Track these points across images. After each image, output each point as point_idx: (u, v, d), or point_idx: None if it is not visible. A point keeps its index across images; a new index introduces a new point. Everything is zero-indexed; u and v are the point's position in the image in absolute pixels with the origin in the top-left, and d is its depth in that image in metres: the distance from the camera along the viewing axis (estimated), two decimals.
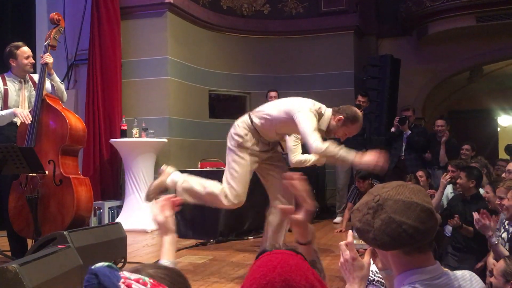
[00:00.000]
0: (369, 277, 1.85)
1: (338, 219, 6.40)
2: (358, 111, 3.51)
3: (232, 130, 3.37)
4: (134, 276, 0.80)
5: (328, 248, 4.48)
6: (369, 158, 3.11)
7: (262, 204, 4.69)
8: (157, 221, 1.63)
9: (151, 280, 0.80)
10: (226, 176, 3.30)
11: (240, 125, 3.34)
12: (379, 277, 1.88)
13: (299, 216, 1.56)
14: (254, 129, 3.30)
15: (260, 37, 7.90)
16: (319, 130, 3.23)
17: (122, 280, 0.78)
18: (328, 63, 7.84)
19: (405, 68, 7.88)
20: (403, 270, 1.28)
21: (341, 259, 1.45)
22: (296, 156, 3.64)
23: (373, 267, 1.64)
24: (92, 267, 0.77)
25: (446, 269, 1.35)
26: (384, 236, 1.23)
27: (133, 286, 0.78)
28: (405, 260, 1.27)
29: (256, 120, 3.30)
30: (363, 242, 1.39)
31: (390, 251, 1.29)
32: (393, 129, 6.32)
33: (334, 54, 7.83)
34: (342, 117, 3.31)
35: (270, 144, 3.43)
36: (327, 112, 3.35)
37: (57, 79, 3.97)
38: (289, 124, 3.23)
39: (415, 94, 8.51)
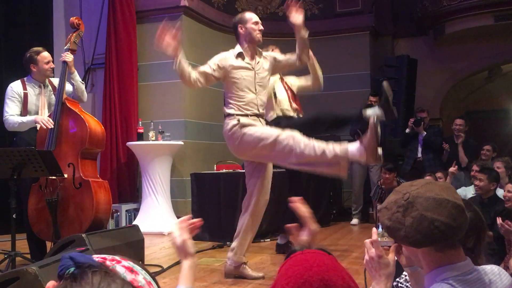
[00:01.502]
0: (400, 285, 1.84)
1: (354, 221, 6.37)
2: None
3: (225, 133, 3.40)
4: (105, 255, 0.90)
5: (346, 250, 4.45)
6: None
7: (278, 207, 4.68)
8: (175, 244, 1.53)
9: (120, 257, 0.90)
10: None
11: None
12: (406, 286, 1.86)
13: (304, 237, 1.52)
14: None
15: (274, 39, 7.87)
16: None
17: (96, 258, 0.87)
18: (344, 64, 7.79)
19: (422, 68, 7.79)
20: (435, 267, 1.28)
21: (366, 257, 1.44)
22: None
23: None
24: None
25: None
26: (416, 234, 1.23)
27: (106, 257, 0.87)
28: (436, 256, 1.27)
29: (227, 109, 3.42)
30: (386, 240, 1.39)
31: (420, 248, 1.29)
32: (407, 130, 6.26)
33: (350, 55, 7.79)
34: None
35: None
36: None
37: (77, 78, 4.00)
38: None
39: (433, 95, 8.42)
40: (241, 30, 3.58)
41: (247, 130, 3.26)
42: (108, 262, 0.87)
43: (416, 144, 6.21)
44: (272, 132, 3.18)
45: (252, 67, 3.50)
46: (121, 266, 0.87)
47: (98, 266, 0.81)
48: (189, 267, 1.48)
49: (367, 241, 1.45)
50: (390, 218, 1.29)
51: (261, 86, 3.51)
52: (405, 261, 1.45)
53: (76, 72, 3.98)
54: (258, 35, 3.55)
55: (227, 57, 3.50)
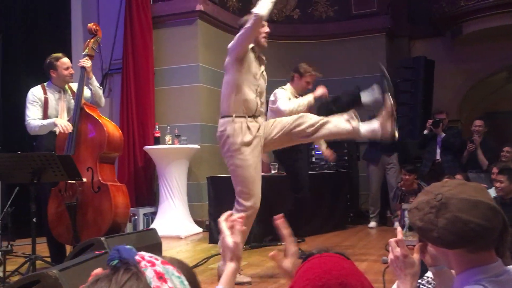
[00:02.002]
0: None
1: (372, 223, 6.31)
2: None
3: None
4: (148, 254, 0.93)
5: (364, 253, 4.41)
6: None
7: (296, 210, 4.66)
8: (226, 245, 1.40)
9: (161, 259, 0.93)
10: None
11: None
12: None
13: (287, 264, 1.43)
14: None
15: (290, 42, 7.89)
16: None
17: (137, 256, 0.91)
18: (360, 66, 7.74)
19: (440, 69, 7.70)
20: (467, 267, 1.27)
21: (391, 256, 1.43)
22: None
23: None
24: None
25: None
26: (450, 235, 1.22)
27: (145, 257, 0.91)
28: (469, 258, 1.26)
29: None
30: (411, 239, 1.38)
31: (453, 249, 1.27)
32: (426, 132, 6.19)
33: (366, 57, 7.73)
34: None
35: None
36: None
37: (95, 83, 4.05)
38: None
39: (451, 96, 8.31)
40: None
41: None
42: (143, 264, 0.89)
43: (435, 146, 6.14)
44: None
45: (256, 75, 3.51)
46: (153, 270, 0.89)
47: (133, 264, 0.86)
48: (233, 271, 1.39)
49: (392, 240, 1.44)
50: (422, 219, 1.28)
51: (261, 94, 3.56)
52: (431, 260, 1.44)
53: (94, 78, 4.04)
54: (263, 39, 3.55)
55: None
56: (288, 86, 4.51)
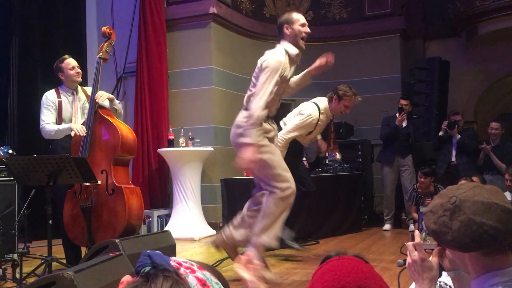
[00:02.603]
0: None
1: (387, 226, 6.26)
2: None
3: None
4: (182, 259, 0.90)
5: (379, 256, 4.38)
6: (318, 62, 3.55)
7: (310, 212, 4.65)
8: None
9: (196, 264, 0.89)
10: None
11: None
12: None
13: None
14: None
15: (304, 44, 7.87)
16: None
17: (174, 262, 0.87)
18: (374, 67, 7.70)
19: (455, 70, 7.62)
20: (483, 272, 1.25)
21: (409, 260, 1.42)
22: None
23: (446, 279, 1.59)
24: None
25: None
26: (464, 238, 1.21)
27: (182, 263, 0.87)
28: (484, 262, 1.24)
29: None
30: (429, 243, 1.36)
31: (468, 253, 1.26)
32: (441, 133, 6.11)
33: (380, 58, 7.69)
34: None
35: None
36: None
37: (116, 102, 4.12)
38: None
39: (466, 97, 8.22)
40: (287, 31, 3.44)
41: None
42: (182, 270, 0.86)
43: (450, 148, 6.06)
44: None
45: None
46: (194, 276, 0.86)
47: (172, 271, 0.81)
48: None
49: (410, 244, 1.43)
50: (436, 222, 1.27)
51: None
52: (449, 264, 1.43)
53: (114, 98, 4.08)
54: (302, 42, 3.47)
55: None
56: (324, 104, 4.37)
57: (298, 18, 3.48)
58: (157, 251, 0.86)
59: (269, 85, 3.22)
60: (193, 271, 0.87)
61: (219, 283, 0.89)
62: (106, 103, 4.04)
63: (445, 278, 1.77)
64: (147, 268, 0.81)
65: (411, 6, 8.13)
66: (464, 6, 7.62)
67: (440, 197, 1.32)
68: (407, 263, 1.43)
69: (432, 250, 1.44)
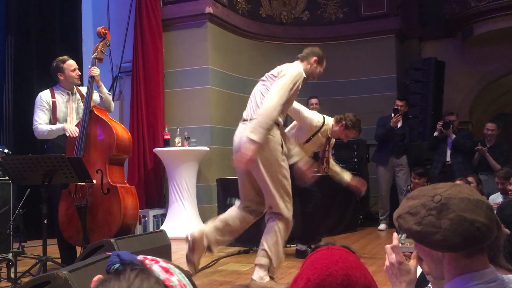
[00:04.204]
0: None
1: (382, 226, 6.28)
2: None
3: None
4: (150, 256, 0.97)
5: (374, 255, 4.39)
6: None
7: (306, 212, 4.64)
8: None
9: (163, 261, 0.96)
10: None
11: None
12: None
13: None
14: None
15: (299, 44, 7.85)
16: None
17: (139, 257, 0.95)
18: (370, 68, 7.72)
19: (450, 71, 7.66)
20: (458, 274, 1.22)
21: (387, 263, 1.40)
22: None
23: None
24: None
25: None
26: (456, 236, 1.17)
27: (147, 257, 0.95)
28: (463, 263, 1.21)
29: None
30: (408, 245, 1.35)
31: (448, 254, 1.23)
32: (436, 133, 6.13)
33: (376, 58, 7.71)
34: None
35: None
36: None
37: (105, 90, 4.09)
38: None
39: (462, 97, 8.25)
40: (312, 63, 3.47)
41: None
42: (147, 261, 0.94)
43: (445, 148, 6.07)
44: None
45: None
46: (158, 265, 0.93)
47: (137, 264, 0.90)
48: None
49: (388, 246, 1.41)
50: (420, 223, 1.21)
51: None
52: (428, 268, 1.38)
53: (103, 85, 4.06)
54: (311, 78, 3.51)
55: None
56: (330, 122, 4.31)
57: (325, 63, 3.58)
58: (125, 251, 0.94)
59: (285, 89, 3.14)
60: (157, 262, 0.95)
61: (182, 273, 0.95)
62: (97, 99, 4.03)
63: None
64: (116, 265, 0.88)
65: (407, 6, 8.16)
66: (460, 7, 7.66)
67: (414, 198, 1.27)
68: (384, 266, 1.41)
69: (411, 253, 1.41)
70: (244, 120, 3.32)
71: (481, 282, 1.20)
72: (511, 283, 1.23)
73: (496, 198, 4.52)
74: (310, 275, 1.06)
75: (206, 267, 4.06)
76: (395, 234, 1.46)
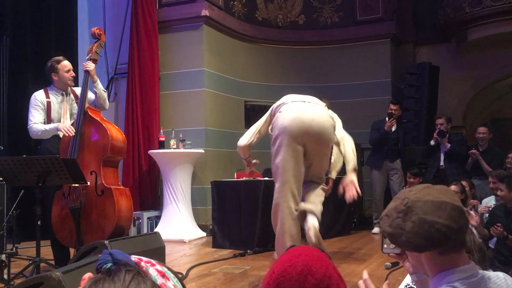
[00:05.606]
0: None
1: (376, 229, 6.30)
2: None
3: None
4: (145, 258, 0.95)
5: (367, 260, 4.41)
6: None
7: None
8: None
9: (158, 264, 0.95)
10: None
11: None
12: None
13: None
14: None
15: (295, 48, 7.92)
16: None
17: (134, 258, 0.92)
18: (365, 72, 7.76)
19: (444, 75, 7.71)
20: (439, 270, 1.28)
21: None
22: None
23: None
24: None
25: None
26: (418, 238, 1.24)
27: (143, 259, 0.92)
28: (440, 260, 1.28)
29: None
30: (394, 247, 1.40)
31: (424, 253, 1.29)
32: (432, 142, 6.10)
33: (371, 63, 7.75)
34: None
35: None
36: None
37: (100, 86, 4.08)
38: None
39: (456, 102, 8.31)
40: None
41: None
42: (143, 264, 0.91)
43: (439, 153, 6.09)
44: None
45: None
46: (154, 269, 0.91)
47: (133, 265, 0.86)
48: None
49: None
50: (391, 225, 1.30)
51: None
52: (411, 268, 1.45)
53: (98, 81, 4.06)
54: None
55: None
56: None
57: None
58: (118, 250, 0.90)
59: None
60: (152, 265, 0.92)
61: (176, 278, 0.94)
62: (91, 97, 4.03)
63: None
64: (109, 265, 0.84)
65: (402, 11, 8.22)
66: (454, 12, 7.71)
67: (394, 200, 1.36)
68: None
69: (396, 254, 1.47)
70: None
71: (462, 277, 1.25)
72: (491, 278, 1.28)
73: (489, 202, 4.55)
74: (274, 268, 1.14)
75: (200, 264, 4.06)
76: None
